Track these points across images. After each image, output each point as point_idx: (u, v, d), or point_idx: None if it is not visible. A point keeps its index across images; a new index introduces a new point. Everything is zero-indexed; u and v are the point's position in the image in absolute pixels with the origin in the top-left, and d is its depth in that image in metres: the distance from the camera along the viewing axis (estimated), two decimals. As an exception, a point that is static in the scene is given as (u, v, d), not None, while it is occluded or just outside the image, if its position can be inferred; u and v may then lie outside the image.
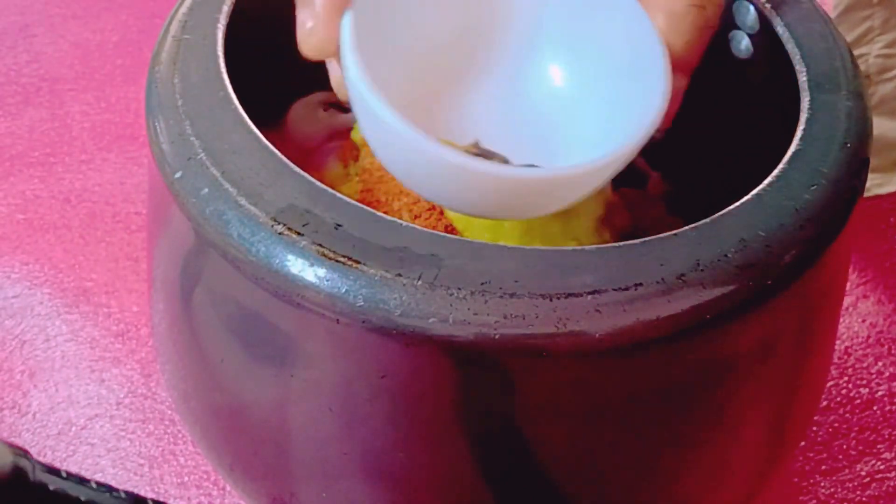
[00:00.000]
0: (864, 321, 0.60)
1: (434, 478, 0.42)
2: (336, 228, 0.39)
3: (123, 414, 0.54)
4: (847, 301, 0.60)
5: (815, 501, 0.52)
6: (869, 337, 0.59)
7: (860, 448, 0.55)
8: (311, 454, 0.43)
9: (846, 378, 0.57)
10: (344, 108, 0.56)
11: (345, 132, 0.54)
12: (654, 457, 0.43)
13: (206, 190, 0.40)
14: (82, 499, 0.33)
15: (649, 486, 0.43)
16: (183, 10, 0.46)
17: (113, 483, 0.38)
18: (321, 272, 0.38)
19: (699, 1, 0.43)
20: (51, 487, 0.32)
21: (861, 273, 0.62)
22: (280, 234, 0.39)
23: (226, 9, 0.46)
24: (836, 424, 0.55)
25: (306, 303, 0.38)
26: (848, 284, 0.61)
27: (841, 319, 0.58)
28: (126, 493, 0.35)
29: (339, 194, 0.40)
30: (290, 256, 0.38)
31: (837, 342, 0.57)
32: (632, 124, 0.42)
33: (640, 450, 0.42)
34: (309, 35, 0.42)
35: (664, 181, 0.57)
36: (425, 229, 0.39)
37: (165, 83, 0.44)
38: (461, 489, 0.42)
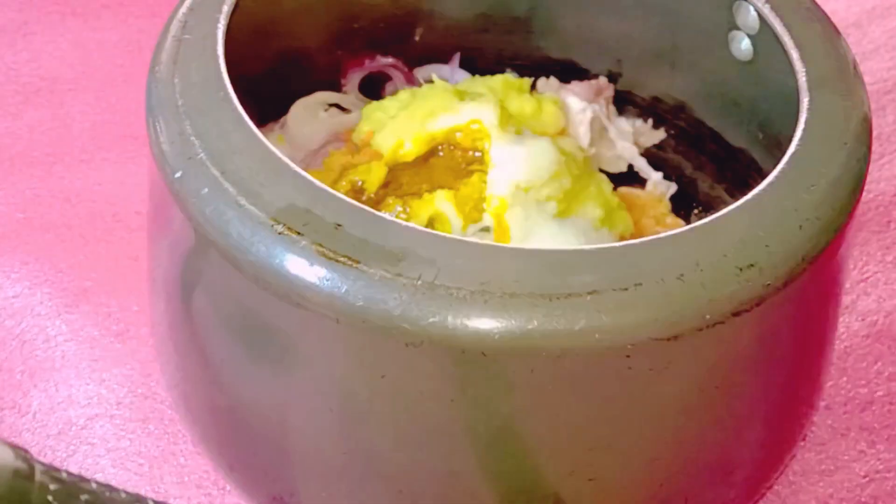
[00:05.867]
0: (863, 319, 0.59)
1: (434, 477, 0.42)
2: (336, 228, 0.39)
3: (123, 414, 0.54)
4: (847, 299, 0.60)
5: (814, 501, 0.52)
6: (868, 336, 0.59)
7: (860, 448, 0.54)
8: (311, 454, 0.44)
9: (845, 378, 0.57)
10: (344, 108, 0.56)
11: (345, 133, 0.54)
12: (653, 457, 0.43)
13: (206, 190, 0.40)
14: (82, 499, 0.33)
15: (649, 485, 0.44)
16: (183, 10, 0.46)
17: (113, 483, 0.38)
18: (321, 272, 0.38)
19: None
20: (51, 487, 0.32)
21: (862, 269, 0.62)
22: (280, 234, 0.39)
23: (226, 9, 0.46)
24: (836, 424, 0.55)
25: (306, 303, 0.38)
26: (848, 282, 0.60)
27: (841, 318, 0.58)
28: (126, 493, 0.35)
29: (339, 194, 0.40)
30: (290, 256, 0.38)
31: (837, 341, 0.57)
32: None
33: (640, 450, 0.42)
34: None
35: (664, 181, 0.57)
36: (425, 229, 0.40)
37: (165, 83, 0.44)
38: (461, 489, 0.42)
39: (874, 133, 0.56)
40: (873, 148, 0.46)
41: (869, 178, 0.45)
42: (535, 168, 0.49)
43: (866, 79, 0.70)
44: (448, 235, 0.40)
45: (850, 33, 0.74)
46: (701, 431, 0.43)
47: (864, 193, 0.44)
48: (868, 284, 0.61)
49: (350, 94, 0.57)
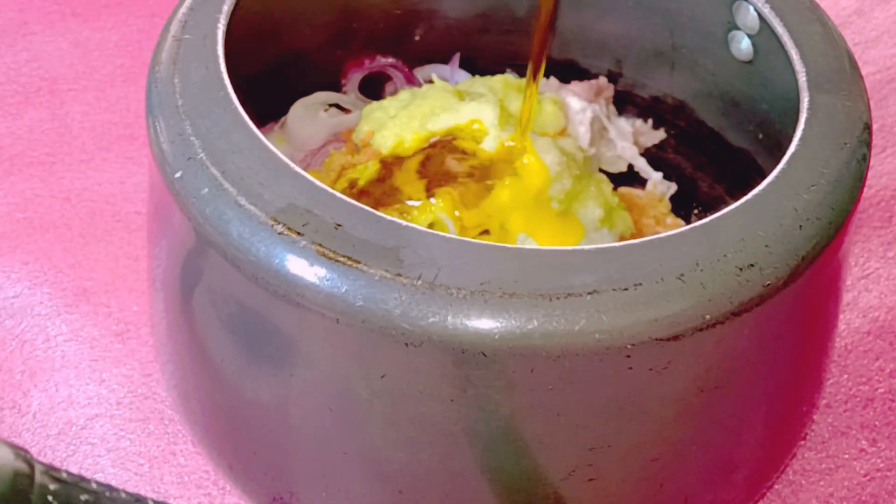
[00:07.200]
0: (865, 316, 0.59)
1: (434, 478, 0.42)
2: (336, 228, 0.39)
3: (123, 414, 0.54)
4: (849, 296, 0.60)
5: (815, 500, 0.52)
6: (869, 332, 0.58)
7: (861, 446, 0.54)
8: (311, 454, 0.44)
9: (846, 376, 0.57)
10: (344, 108, 0.56)
11: (345, 133, 0.54)
12: (653, 457, 0.43)
13: (206, 190, 0.40)
14: (82, 499, 0.33)
15: (649, 485, 0.44)
16: (183, 10, 0.46)
17: (113, 483, 0.38)
18: (321, 272, 0.38)
19: None
20: (51, 487, 0.32)
21: (864, 265, 0.62)
22: (280, 234, 0.39)
23: (226, 9, 0.46)
24: (837, 423, 0.55)
25: (306, 303, 0.38)
26: (850, 278, 0.60)
27: (842, 314, 0.57)
28: (126, 492, 0.35)
29: (339, 194, 0.40)
30: (290, 256, 0.38)
31: (838, 338, 0.57)
32: None
33: (640, 450, 0.42)
34: None
35: (664, 181, 0.57)
36: (425, 229, 0.40)
37: (165, 83, 0.44)
38: (461, 489, 0.42)
39: (876, 124, 0.55)
40: (875, 140, 0.46)
41: (871, 172, 0.45)
42: (535, 168, 0.49)
43: (869, 67, 0.70)
44: (448, 235, 0.40)
45: (852, 21, 0.73)
46: (701, 431, 0.43)
47: (865, 189, 0.44)
48: (869, 281, 0.61)
49: (350, 94, 0.57)
